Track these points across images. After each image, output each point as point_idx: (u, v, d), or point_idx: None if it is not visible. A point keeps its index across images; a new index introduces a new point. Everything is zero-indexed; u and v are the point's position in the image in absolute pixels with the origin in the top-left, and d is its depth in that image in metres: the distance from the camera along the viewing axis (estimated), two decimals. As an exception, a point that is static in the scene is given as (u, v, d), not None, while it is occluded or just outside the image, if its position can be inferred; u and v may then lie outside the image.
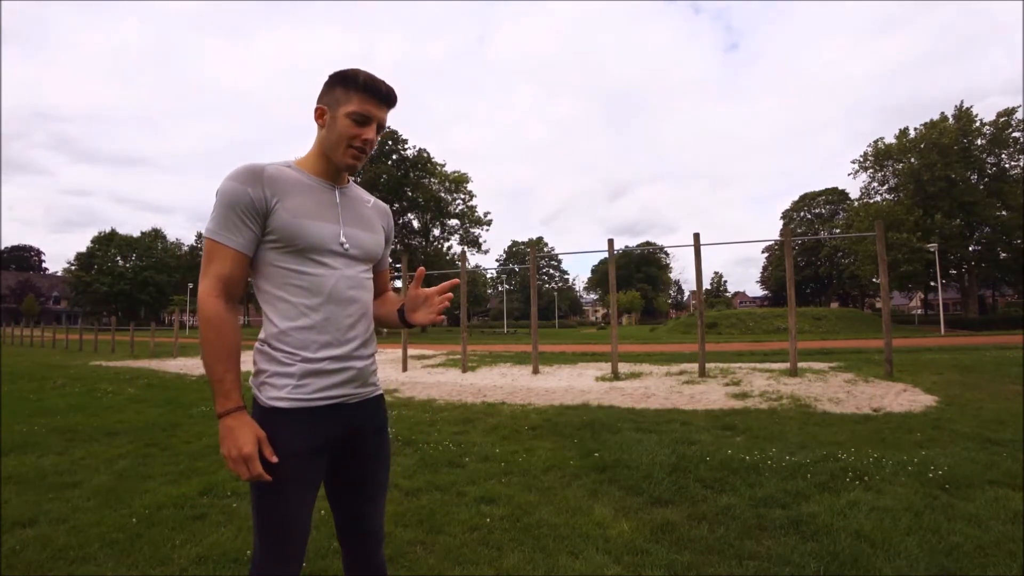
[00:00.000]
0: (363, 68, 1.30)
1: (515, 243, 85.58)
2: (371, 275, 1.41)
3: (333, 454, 1.34)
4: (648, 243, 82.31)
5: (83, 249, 65.62)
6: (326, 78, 1.31)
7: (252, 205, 1.21)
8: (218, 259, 1.22)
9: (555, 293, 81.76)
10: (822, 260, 60.92)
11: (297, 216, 1.24)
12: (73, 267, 65.76)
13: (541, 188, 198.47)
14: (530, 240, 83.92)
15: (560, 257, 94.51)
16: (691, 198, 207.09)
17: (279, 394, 1.23)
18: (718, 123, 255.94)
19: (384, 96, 1.30)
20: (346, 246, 1.30)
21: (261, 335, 1.29)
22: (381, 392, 1.45)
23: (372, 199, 1.47)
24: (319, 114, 1.31)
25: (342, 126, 1.28)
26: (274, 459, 1.19)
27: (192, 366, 13.79)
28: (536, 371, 10.36)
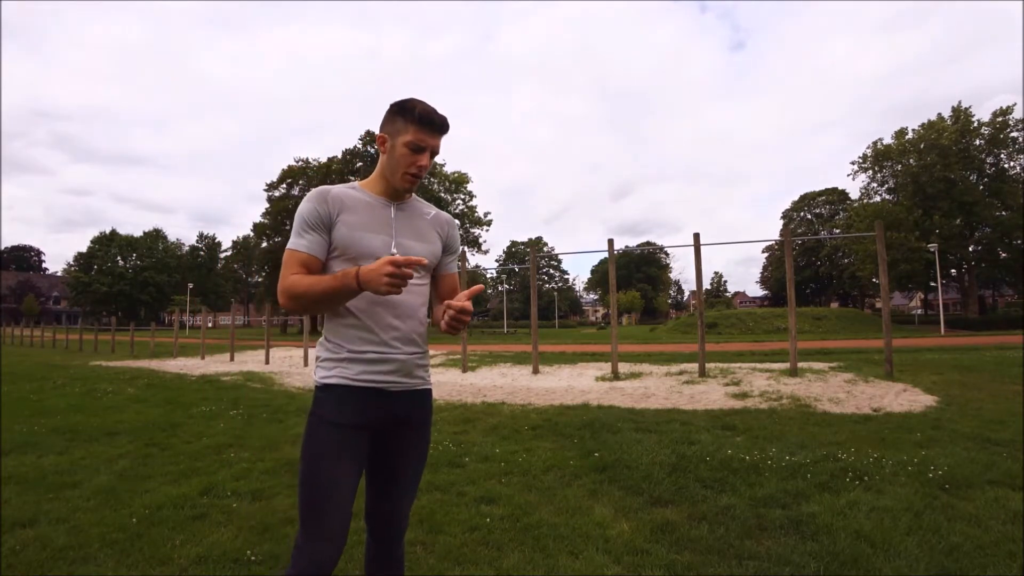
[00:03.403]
0: (420, 99, 1.44)
1: (514, 243, 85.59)
2: (424, 281, 1.54)
3: (375, 438, 1.47)
4: (648, 243, 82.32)
5: (83, 249, 65.73)
6: (388, 107, 1.46)
7: (319, 217, 1.42)
8: (291, 262, 1.41)
9: (555, 293, 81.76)
10: (822, 260, 60.88)
11: (353, 229, 1.43)
12: (73, 267, 65.81)
13: (544, 188, 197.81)
14: (530, 240, 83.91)
15: (560, 257, 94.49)
16: (694, 198, 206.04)
17: (328, 373, 1.44)
18: (723, 122, 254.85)
19: (438, 126, 1.44)
20: (396, 256, 1.41)
21: (323, 331, 1.50)
22: (429, 388, 1.57)
23: (433, 212, 1.61)
24: (381, 142, 1.48)
25: (400, 154, 1.44)
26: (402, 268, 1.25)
27: (192, 366, 13.79)
28: (536, 371, 10.36)
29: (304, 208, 1.43)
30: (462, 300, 1.35)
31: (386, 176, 1.48)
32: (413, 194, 1.57)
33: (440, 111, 1.45)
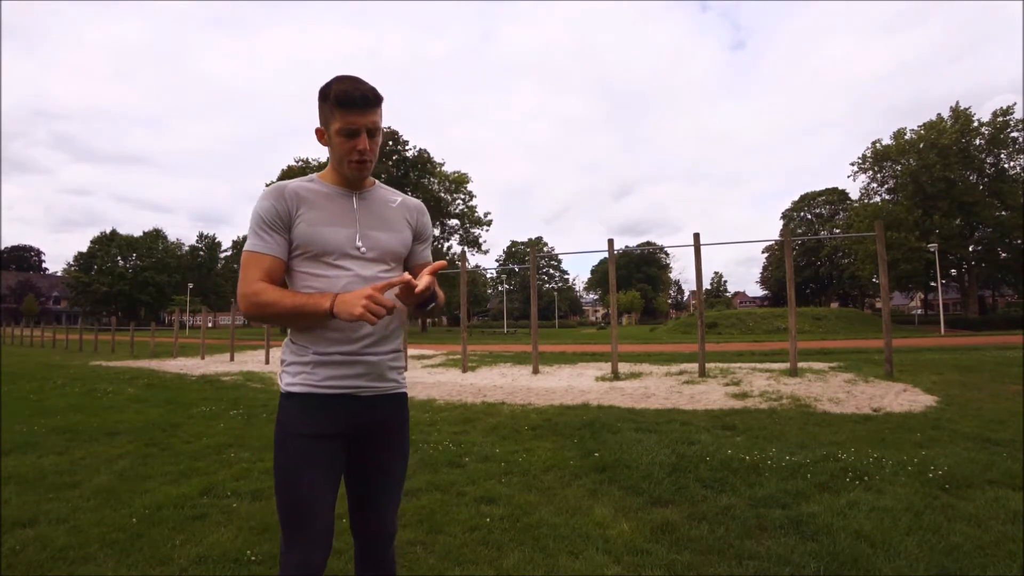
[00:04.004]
0: (346, 75, 1.32)
1: (514, 243, 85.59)
2: (396, 273, 1.45)
3: (349, 445, 1.40)
4: (648, 243, 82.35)
5: (83, 249, 65.74)
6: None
7: (278, 215, 1.34)
8: (252, 265, 1.32)
9: (555, 293, 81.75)
10: (822, 260, 60.93)
11: (313, 224, 1.34)
12: (73, 267, 65.79)
13: (544, 187, 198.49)
14: (530, 240, 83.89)
15: (560, 257, 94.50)
16: (695, 198, 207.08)
17: (293, 380, 1.36)
18: (723, 122, 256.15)
19: (361, 102, 1.29)
20: (362, 249, 1.37)
21: (288, 331, 1.43)
22: (403, 390, 1.49)
23: (400, 198, 1.52)
24: (319, 135, 1.39)
25: (336, 144, 1.34)
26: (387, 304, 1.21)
27: (192, 366, 13.79)
28: (536, 371, 10.36)
29: (261, 207, 1.34)
30: (424, 277, 1.25)
31: (336, 167, 1.40)
32: (376, 181, 1.49)
33: (364, 83, 1.31)
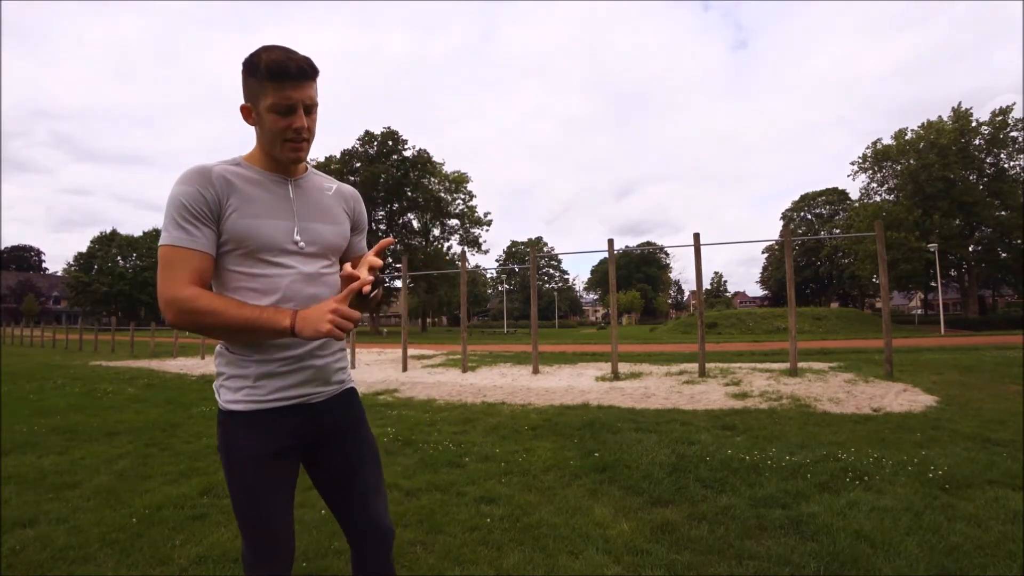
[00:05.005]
0: (275, 45, 1.18)
1: (514, 243, 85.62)
2: (334, 269, 1.33)
3: (309, 455, 1.33)
4: (648, 243, 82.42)
5: (83, 249, 65.80)
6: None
7: (206, 203, 1.16)
8: (178, 263, 1.14)
9: (555, 293, 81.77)
10: (822, 260, 60.94)
11: (247, 216, 1.19)
12: (73, 267, 65.82)
13: (544, 187, 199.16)
14: (530, 240, 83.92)
15: (560, 257, 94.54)
16: (697, 197, 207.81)
17: (234, 397, 1.23)
18: (726, 122, 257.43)
19: (296, 74, 1.15)
20: (301, 244, 1.24)
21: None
22: (351, 386, 1.41)
23: (335, 185, 1.39)
24: (246, 113, 1.23)
25: (268, 122, 1.18)
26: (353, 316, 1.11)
27: (192, 366, 13.78)
28: (536, 371, 10.36)
29: (183, 192, 1.14)
30: (370, 258, 1.15)
31: (267, 150, 1.24)
32: (310, 167, 1.34)
33: (298, 53, 1.17)
